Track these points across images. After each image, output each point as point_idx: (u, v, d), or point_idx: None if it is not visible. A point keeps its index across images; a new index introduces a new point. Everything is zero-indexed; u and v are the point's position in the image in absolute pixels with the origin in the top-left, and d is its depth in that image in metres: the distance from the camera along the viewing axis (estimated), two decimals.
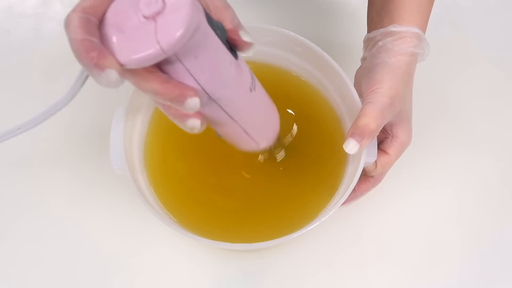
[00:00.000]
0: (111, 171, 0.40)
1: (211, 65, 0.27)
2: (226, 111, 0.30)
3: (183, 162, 0.46)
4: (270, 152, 0.45)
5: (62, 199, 0.49)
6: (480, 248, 0.49)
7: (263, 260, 0.47)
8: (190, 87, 0.26)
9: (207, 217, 0.44)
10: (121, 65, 0.24)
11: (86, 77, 0.27)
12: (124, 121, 0.41)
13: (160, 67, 0.26)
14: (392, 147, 0.42)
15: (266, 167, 0.46)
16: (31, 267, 0.47)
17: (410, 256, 0.48)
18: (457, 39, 0.61)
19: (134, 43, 0.24)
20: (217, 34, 0.27)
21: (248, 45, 0.29)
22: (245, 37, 0.28)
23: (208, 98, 0.28)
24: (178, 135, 0.46)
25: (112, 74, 0.23)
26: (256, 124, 0.35)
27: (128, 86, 0.42)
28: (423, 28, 0.41)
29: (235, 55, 0.29)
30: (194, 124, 0.28)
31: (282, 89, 0.49)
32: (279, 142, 0.44)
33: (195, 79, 0.26)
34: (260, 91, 0.34)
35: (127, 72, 0.25)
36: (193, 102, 0.26)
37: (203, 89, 0.27)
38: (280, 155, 0.45)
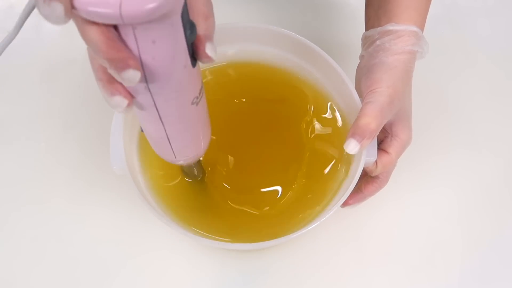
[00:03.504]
0: (111, 171, 0.40)
1: (164, 58, 0.25)
2: (157, 109, 0.28)
3: None
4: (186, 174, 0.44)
5: (62, 199, 0.49)
6: (480, 248, 0.49)
7: (263, 260, 0.47)
8: (136, 57, 0.24)
9: (207, 217, 0.44)
10: (72, 7, 0.21)
11: (32, 8, 0.25)
12: (124, 121, 0.41)
13: (114, 25, 0.23)
14: (392, 146, 0.42)
15: (266, 167, 0.46)
16: (30, 267, 0.47)
17: (410, 256, 0.48)
18: (456, 39, 0.61)
19: None
20: (185, 33, 0.25)
21: (208, 59, 0.26)
22: (209, 51, 0.26)
23: (145, 88, 0.26)
24: None
25: (58, 8, 0.21)
26: (181, 137, 0.33)
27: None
28: (421, 26, 0.41)
29: (194, 63, 0.27)
30: (120, 103, 0.26)
31: (282, 88, 0.49)
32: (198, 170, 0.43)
33: (142, 62, 0.24)
34: (201, 109, 0.32)
35: (76, 14, 0.22)
36: (134, 74, 0.23)
37: (145, 78, 0.25)
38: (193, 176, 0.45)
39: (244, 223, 0.44)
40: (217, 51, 0.27)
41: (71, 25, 0.23)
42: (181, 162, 0.36)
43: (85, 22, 0.22)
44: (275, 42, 0.46)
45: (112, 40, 0.23)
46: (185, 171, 0.44)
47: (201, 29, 0.26)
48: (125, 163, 0.39)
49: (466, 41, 0.61)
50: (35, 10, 0.25)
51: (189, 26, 0.25)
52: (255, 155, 0.46)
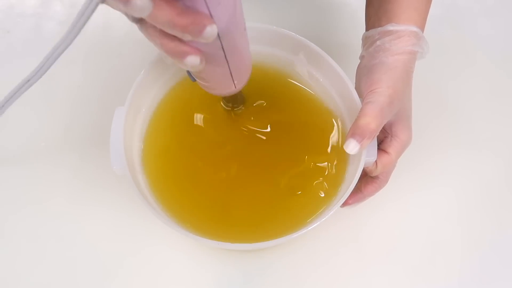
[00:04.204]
0: (111, 170, 0.40)
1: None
2: (224, 50, 0.30)
3: (183, 162, 0.46)
4: (233, 101, 0.45)
5: (62, 199, 0.49)
6: (480, 248, 0.49)
7: (263, 260, 0.47)
8: (206, 15, 0.25)
9: (206, 217, 0.44)
10: None
11: (96, 5, 0.26)
12: (124, 121, 0.41)
13: None
14: (392, 146, 0.42)
15: (267, 167, 0.46)
16: (30, 265, 0.47)
17: (410, 256, 0.48)
18: (456, 39, 0.61)
19: None
20: None
21: None
22: None
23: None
24: (178, 135, 0.46)
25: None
26: (240, 66, 0.35)
27: (128, 86, 0.42)
28: (422, 27, 0.41)
29: None
30: (194, 61, 0.27)
31: (281, 88, 0.49)
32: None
33: (211, 14, 0.26)
34: (247, 32, 0.34)
35: None
36: (212, 30, 0.25)
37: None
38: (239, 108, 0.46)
39: (244, 222, 0.44)
40: None
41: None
42: (238, 88, 0.38)
43: (157, 9, 0.24)
44: (275, 42, 0.46)
45: (182, 13, 0.24)
46: (229, 100, 0.45)
47: None
48: (125, 163, 0.39)
49: (466, 41, 0.61)
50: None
51: None
52: (256, 155, 0.46)
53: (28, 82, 0.34)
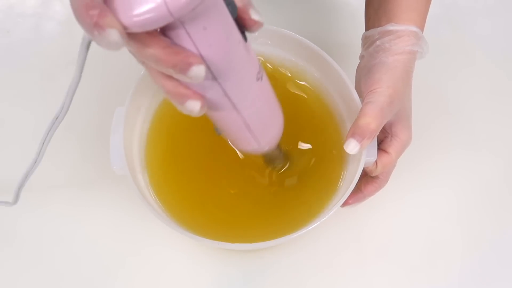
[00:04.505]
0: (111, 171, 0.40)
1: (219, 41, 0.25)
2: (229, 97, 0.28)
3: (183, 162, 0.46)
4: (271, 163, 0.44)
5: (62, 199, 0.49)
6: (480, 248, 0.49)
7: (263, 260, 0.47)
8: (194, 53, 0.24)
9: (206, 217, 0.44)
10: (124, 27, 0.22)
11: (89, 43, 0.25)
12: (124, 121, 0.41)
13: (163, 33, 0.24)
14: (392, 146, 0.42)
15: (267, 168, 0.46)
16: (30, 267, 0.47)
17: (410, 256, 0.48)
18: (456, 39, 0.61)
19: (138, 3, 0.21)
20: (228, 9, 0.25)
21: (258, 24, 0.27)
22: (254, 16, 0.26)
23: (212, 79, 0.26)
24: (178, 135, 0.46)
25: (113, 34, 0.21)
26: (259, 119, 0.32)
27: (128, 86, 0.42)
28: (421, 27, 0.41)
29: (245, 37, 0.27)
30: (193, 107, 0.26)
31: (281, 89, 0.49)
32: (280, 152, 0.42)
33: (201, 54, 0.24)
34: (266, 83, 0.32)
35: (127, 35, 0.22)
36: (198, 70, 0.23)
37: (208, 67, 0.25)
38: (281, 167, 0.45)
39: (244, 222, 0.44)
40: None
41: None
42: (266, 148, 0.36)
43: (139, 42, 0.23)
44: (275, 42, 0.46)
45: (168, 47, 0.23)
46: (270, 159, 0.43)
47: (237, 2, 0.26)
48: (125, 163, 0.39)
49: (466, 41, 0.61)
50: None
51: (228, 2, 0.25)
52: (257, 156, 0.46)
53: (56, 120, 0.34)
